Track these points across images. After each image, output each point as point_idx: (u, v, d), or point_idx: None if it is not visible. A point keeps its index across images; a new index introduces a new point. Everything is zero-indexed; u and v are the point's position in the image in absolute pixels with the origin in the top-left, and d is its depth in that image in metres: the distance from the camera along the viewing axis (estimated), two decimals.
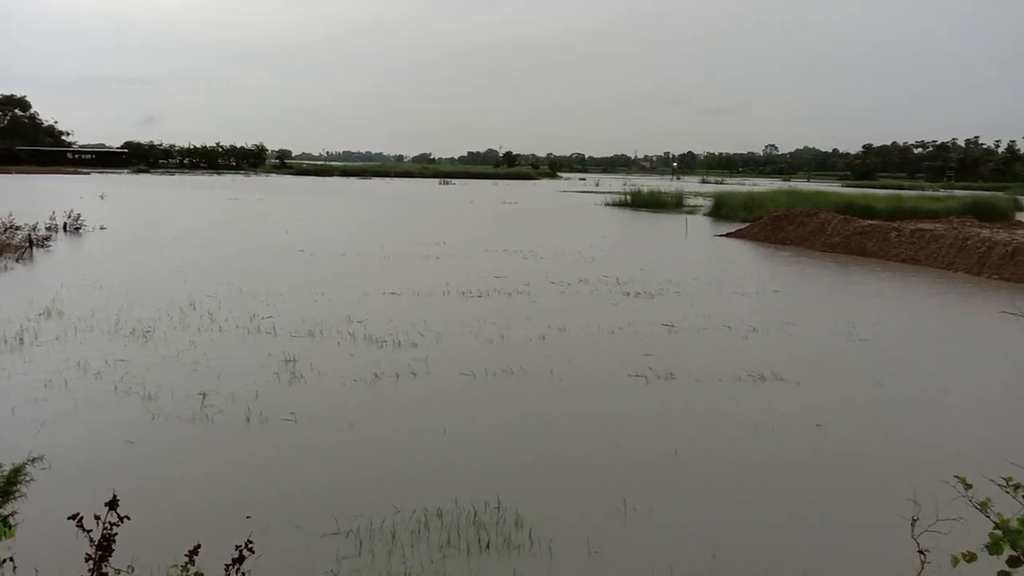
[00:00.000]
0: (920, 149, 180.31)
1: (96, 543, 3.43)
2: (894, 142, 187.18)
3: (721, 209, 43.14)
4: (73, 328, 12.58)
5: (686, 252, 27.42)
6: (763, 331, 13.76)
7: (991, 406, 10.04)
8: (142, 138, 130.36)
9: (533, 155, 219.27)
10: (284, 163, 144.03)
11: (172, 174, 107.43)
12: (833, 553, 6.10)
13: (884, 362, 12.02)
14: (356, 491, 6.94)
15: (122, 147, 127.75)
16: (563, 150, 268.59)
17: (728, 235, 32.40)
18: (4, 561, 3.52)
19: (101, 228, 29.08)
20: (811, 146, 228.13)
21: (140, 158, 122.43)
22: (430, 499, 6.69)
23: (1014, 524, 3.12)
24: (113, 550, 3.46)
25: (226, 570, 3.54)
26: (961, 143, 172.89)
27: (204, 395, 9.37)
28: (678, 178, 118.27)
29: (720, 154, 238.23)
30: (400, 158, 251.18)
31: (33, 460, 3.79)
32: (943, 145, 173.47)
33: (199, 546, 3.61)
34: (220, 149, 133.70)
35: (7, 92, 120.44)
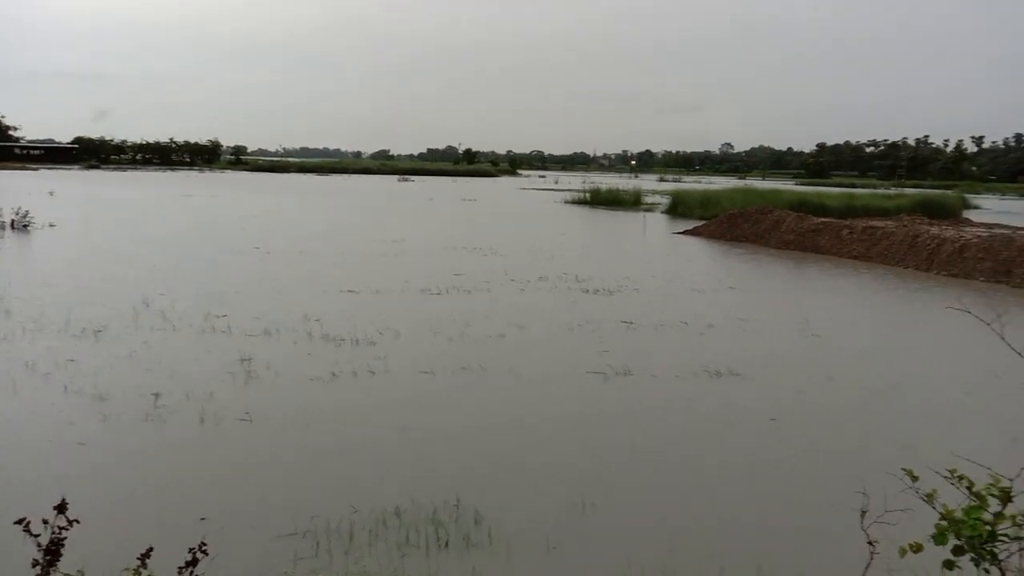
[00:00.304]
0: (872, 148, 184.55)
1: (44, 548, 3.35)
2: (847, 141, 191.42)
3: (678, 207, 43.58)
4: (21, 328, 12.26)
5: (644, 250, 27.68)
6: (719, 328, 13.95)
7: (940, 400, 10.31)
8: (93, 134, 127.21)
9: (493, 152, 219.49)
10: (240, 159, 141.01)
11: (124, 170, 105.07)
12: (786, 545, 6.22)
13: (837, 357, 12.27)
14: (313, 491, 6.87)
15: (72, 142, 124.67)
16: (523, 147, 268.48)
17: (685, 233, 32.73)
18: None
19: (50, 225, 28.31)
20: (766, 145, 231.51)
21: (91, 154, 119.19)
22: (388, 498, 6.66)
23: (959, 514, 3.20)
24: (62, 555, 3.38)
25: (179, 573, 3.48)
26: (911, 143, 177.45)
27: (157, 395, 9.20)
28: (636, 176, 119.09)
29: (677, 153, 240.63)
30: (358, 155, 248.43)
31: None
32: (894, 144, 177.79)
33: (151, 549, 3.54)
34: (174, 145, 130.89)
35: None
